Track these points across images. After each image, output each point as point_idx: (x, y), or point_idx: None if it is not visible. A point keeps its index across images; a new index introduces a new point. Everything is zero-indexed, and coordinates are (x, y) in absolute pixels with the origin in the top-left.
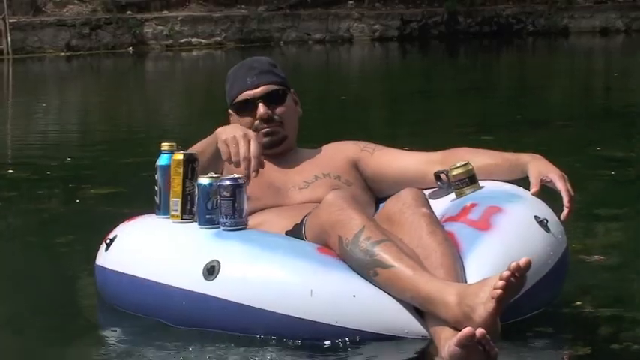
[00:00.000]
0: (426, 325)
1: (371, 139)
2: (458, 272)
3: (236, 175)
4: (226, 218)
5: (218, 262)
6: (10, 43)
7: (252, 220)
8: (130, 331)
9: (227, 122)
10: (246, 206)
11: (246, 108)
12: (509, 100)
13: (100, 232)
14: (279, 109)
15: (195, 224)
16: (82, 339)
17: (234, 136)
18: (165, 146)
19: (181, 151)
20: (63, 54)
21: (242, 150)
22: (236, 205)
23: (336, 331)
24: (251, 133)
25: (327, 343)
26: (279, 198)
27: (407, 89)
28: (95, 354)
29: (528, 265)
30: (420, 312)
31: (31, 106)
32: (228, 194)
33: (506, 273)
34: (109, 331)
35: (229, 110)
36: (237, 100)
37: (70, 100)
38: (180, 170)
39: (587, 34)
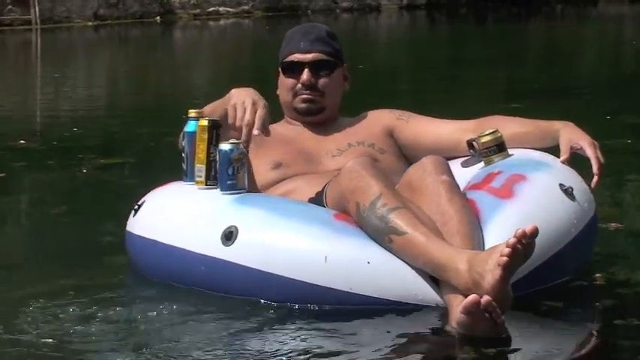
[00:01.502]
0: (441, 292)
1: (399, 108)
2: (475, 240)
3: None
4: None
5: (236, 227)
6: (37, 12)
7: (282, 187)
8: (151, 296)
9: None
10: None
11: (292, 70)
12: (538, 68)
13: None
14: (323, 80)
15: (218, 190)
16: (106, 305)
17: (244, 102)
18: (192, 113)
19: (207, 118)
20: (90, 23)
21: (247, 116)
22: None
23: (350, 298)
24: (261, 102)
25: (341, 309)
26: (311, 165)
27: (435, 57)
28: (116, 319)
29: (535, 232)
30: (435, 280)
31: (57, 75)
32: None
33: (512, 240)
34: (132, 297)
35: (279, 68)
36: (286, 60)
37: (97, 70)
38: (205, 136)
39: (615, 1)
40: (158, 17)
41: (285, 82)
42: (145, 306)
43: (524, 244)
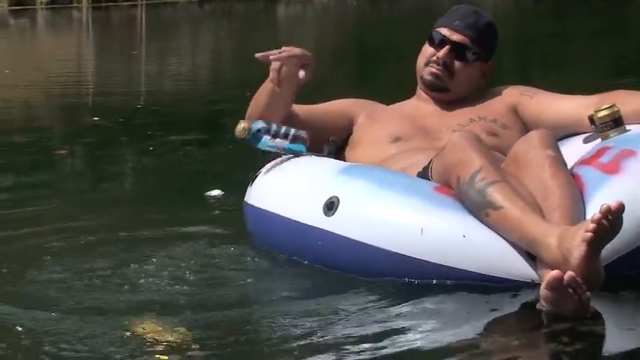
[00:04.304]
0: (536, 268)
1: (502, 83)
2: (575, 216)
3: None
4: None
5: (337, 198)
6: None
7: (400, 162)
8: (250, 268)
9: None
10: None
11: (436, 41)
12: None
13: None
14: (459, 64)
15: (327, 159)
16: (200, 275)
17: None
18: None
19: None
20: None
21: (275, 64)
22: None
23: (445, 272)
24: (297, 60)
25: (434, 283)
26: (430, 140)
27: (539, 32)
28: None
29: (620, 208)
30: (531, 256)
31: (159, 50)
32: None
33: (597, 216)
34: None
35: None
36: (435, 29)
37: (199, 45)
38: None
39: None
40: None
41: (425, 49)
42: (244, 278)
43: (610, 220)
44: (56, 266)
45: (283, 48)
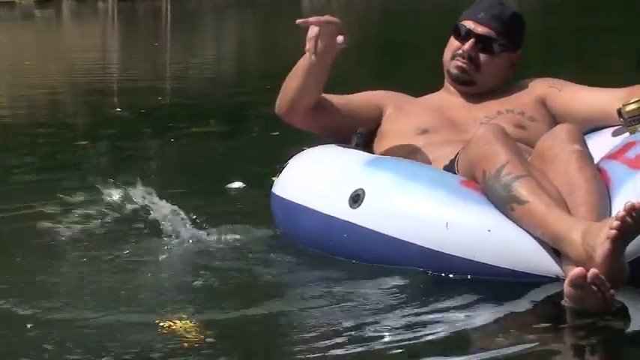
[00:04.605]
0: (561, 264)
1: (528, 77)
2: (601, 211)
3: None
4: None
5: (363, 190)
6: None
7: (428, 155)
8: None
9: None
10: None
11: (461, 34)
12: None
13: None
14: (484, 57)
15: (354, 151)
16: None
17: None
18: None
19: None
20: None
21: (312, 32)
22: None
23: (469, 265)
24: (335, 26)
25: (459, 277)
26: (457, 133)
27: (565, 26)
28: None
29: None
30: (557, 252)
31: (183, 42)
32: None
33: (621, 213)
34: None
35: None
36: (460, 22)
37: (224, 37)
38: None
39: None
40: None
41: (451, 42)
42: (273, 269)
43: (634, 218)
44: (75, 256)
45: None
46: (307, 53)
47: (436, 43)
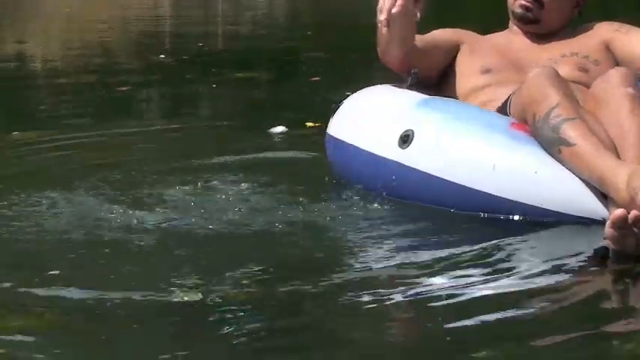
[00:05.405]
0: (608, 206)
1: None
2: None
3: None
4: None
5: (412, 131)
6: None
7: (486, 95)
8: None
9: None
10: None
11: None
12: None
13: None
14: None
15: (406, 91)
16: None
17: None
18: None
19: None
20: None
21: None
22: None
23: (515, 207)
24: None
25: (503, 218)
26: (519, 74)
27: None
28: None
29: None
30: (603, 194)
31: None
32: None
33: None
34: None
35: None
36: None
37: None
38: None
39: None
40: None
41: None
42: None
43: None
44: (116, 194)
45: None
46: (380, 25)
47: None
